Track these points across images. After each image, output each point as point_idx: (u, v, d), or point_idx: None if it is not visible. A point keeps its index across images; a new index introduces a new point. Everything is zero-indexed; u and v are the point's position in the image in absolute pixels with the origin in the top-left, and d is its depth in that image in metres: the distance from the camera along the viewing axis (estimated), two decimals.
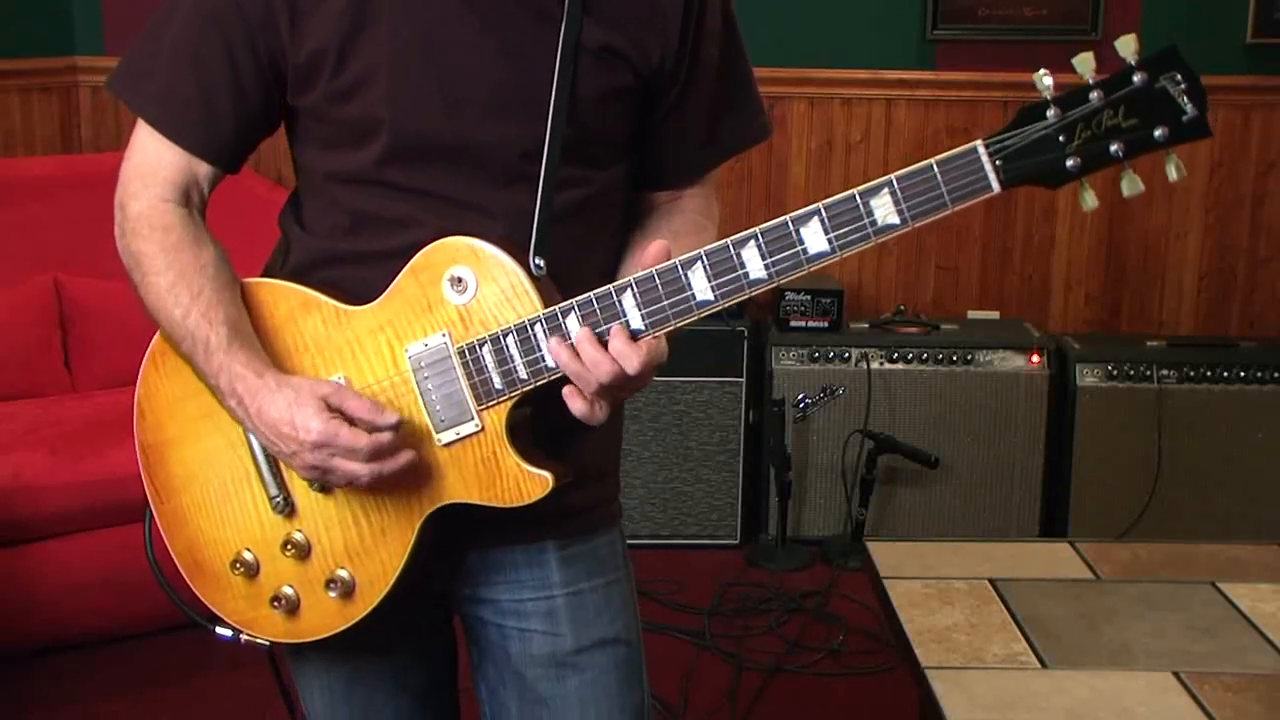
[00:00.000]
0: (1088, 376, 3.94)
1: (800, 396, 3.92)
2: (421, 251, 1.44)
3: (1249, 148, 4.23)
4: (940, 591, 2.23)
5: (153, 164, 1.52)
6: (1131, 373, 3.93)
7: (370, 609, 1.51)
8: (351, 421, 1.41)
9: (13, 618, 3.16)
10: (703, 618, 3.54)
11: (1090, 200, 1.33)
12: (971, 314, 4.28)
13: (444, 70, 1.44)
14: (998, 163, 1.30)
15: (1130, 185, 1.32)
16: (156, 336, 1.56)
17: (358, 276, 1.48)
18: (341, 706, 1.67)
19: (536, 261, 1.44)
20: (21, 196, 3.83)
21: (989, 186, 1.30)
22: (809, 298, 3.97)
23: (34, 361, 3.62)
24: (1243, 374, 3.92)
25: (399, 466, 1.43)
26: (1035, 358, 3.94)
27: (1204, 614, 2.17)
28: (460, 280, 1.43)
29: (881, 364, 3.94)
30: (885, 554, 2.38)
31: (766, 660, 3.36)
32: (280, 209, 1.61)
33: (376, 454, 1.41)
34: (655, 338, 1.40)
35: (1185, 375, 3.93)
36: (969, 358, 3.94)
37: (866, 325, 4.07)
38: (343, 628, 1.53)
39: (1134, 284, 4.33)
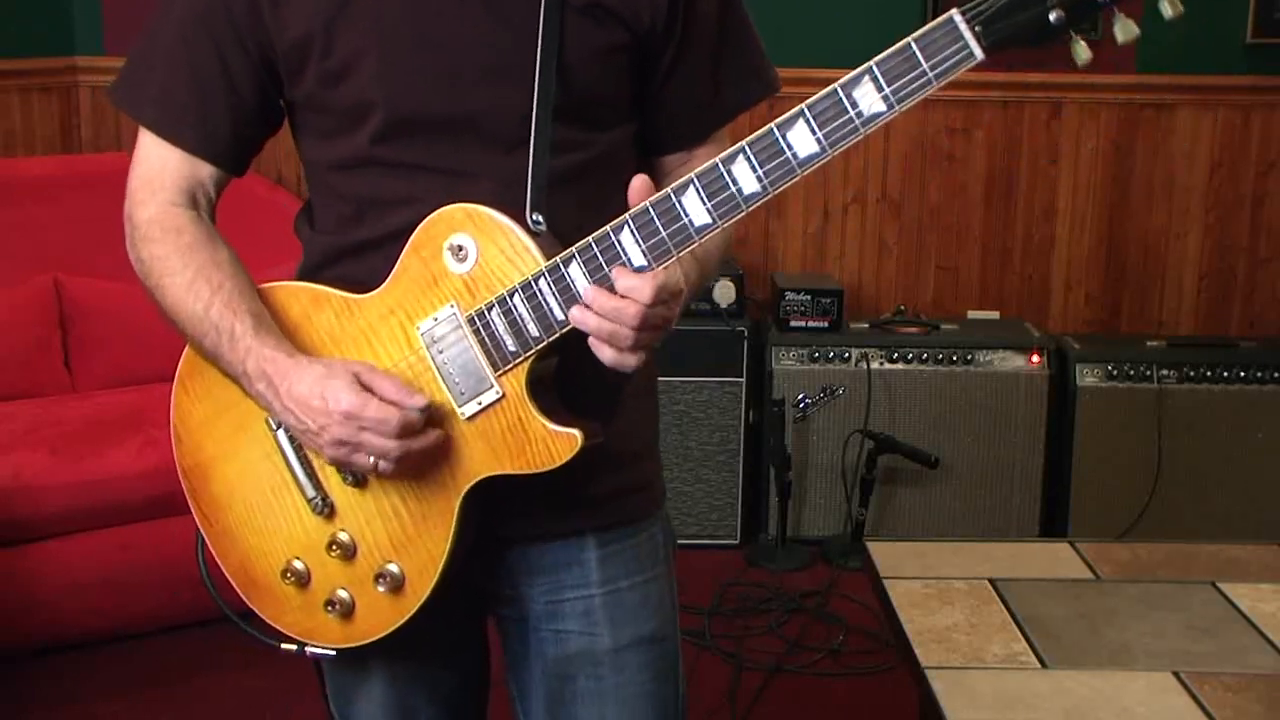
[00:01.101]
0: (1088, 376, 3.94)
1: (800, 396, 3.92)
2: (420, 227, 1.44)
3: (1249, 148, 4.23)
4: (940, 591, 2.23)
5: (157, 170, 1.53)
6: (1131, 373, 3.93)
7: (423, 600, 1.50)
8: (382, 399, 1.41)
9: (13, 618, 3.16)
10: (703, 618, 3.54)
11: (1083, 53, 1.27)
12: (971, 314, 4.28)
13: (433, 42, 1.44)
14: (977, 29, 1.26)
15: (1124, 30, 1.26)
16: (182, 360, 1.57)
17: (367, 264, 1.48)
18: (378, 712, 1.66)
19: (534, 218, 1.43)
20: (21, 196, 3.83)
21: (971, 55, 1.27)
22: (809, 298, 3.97)
23: (34, 361, 3.62)
24: (1243, 374, 3.92)
25: (427, 444, 1.42)
26: (1035, 358, 3.94)
27: (1204, 614, 2.17)
28: (460, 248, 1.42)
29: (881, 364, 3.94)
30: (885, 554, 2.38)
31: (766, 660, 3.36)
32: (294, 218, 1.61)
33: (406, 429, 1.40)
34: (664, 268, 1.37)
35: (1185, 375, 3.93)
36: (969, 358, 3.94)
37: (866, 325, 4.07)
38: (399, 623, 1.51)
39: (1134, 284, 4.33)
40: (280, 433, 1.51)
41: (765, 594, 3.70)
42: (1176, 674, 1.98)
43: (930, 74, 1.28)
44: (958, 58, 1.27)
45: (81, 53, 4.27)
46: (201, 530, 1.60)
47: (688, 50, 1.54)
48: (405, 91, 1.45)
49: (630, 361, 1.39)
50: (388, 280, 1.46)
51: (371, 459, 1.42)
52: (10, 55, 4.12)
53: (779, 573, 3.81)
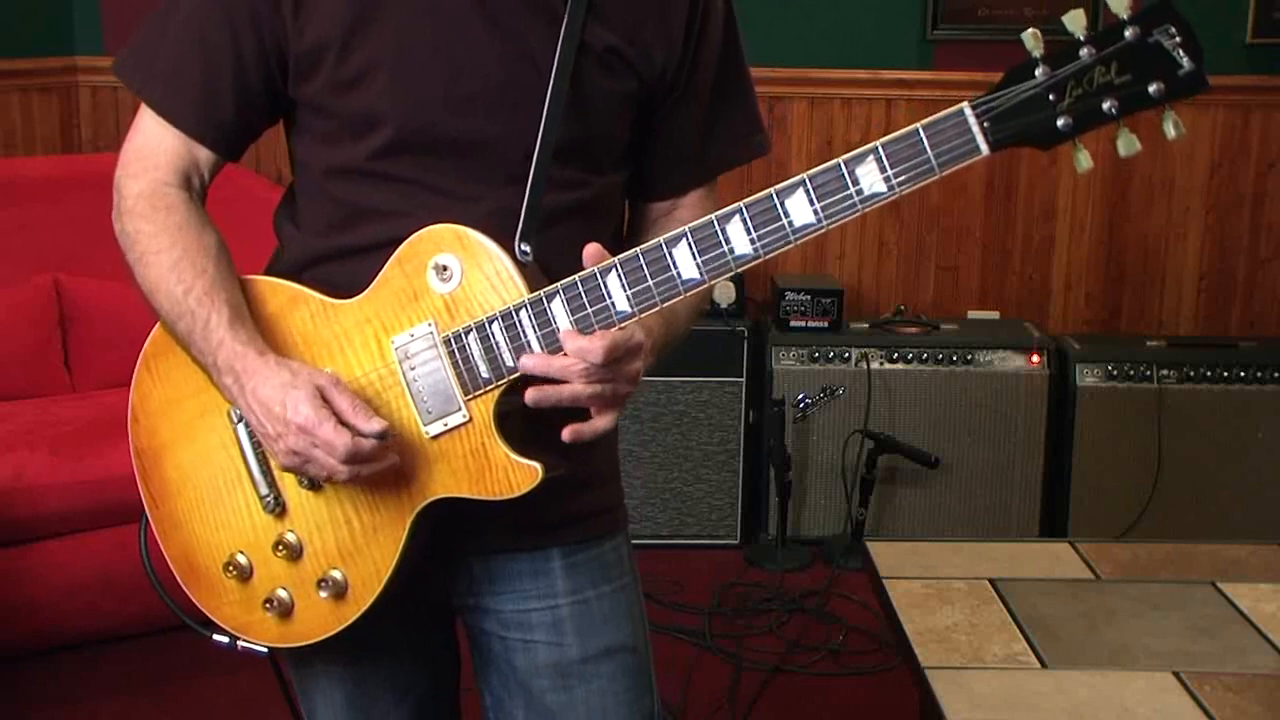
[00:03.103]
0: (1088, 376, 3.94)
1: (800, 396, 3.92)
2: (407, 241, 1.43)
3: (1249, 148, 4.23)
4: (940, 591, 2.23)
5: (154, 146, 1.52)
6: (1131, 373, 3.93)
7: (363, 610, 1.50)
8: (340, 419, 1.40)
9: (13, 618, 3.16)
10: (703, 618, 3.54)
11: (1085, 161, 1.29)
12: (971, 314, 4.28)
13: (449, 65, 1.44)
14: (985, 124, 1.26)
15: (1126, 144, 1.28)
16: (149, 340, 1.56)
17: (350, 270, 1.48)
18: (343, 713, 1.66)
19: (522, 248, 1.43)
20: (21, 196, 3.83)
21: (977, 149, 1.27)
22: (809, 298, 3.97)
23: (34, 361, 3.62)
24: (1243, 374, 3.92)
25: (378, 470, 1.42)
26: (1035, 358, 3.94)
27: (1204, 614, 2.17)
28: (445, 268, 1.42)
29: (881, 364, 3.94)
30: (885, 554, 2.38)
31: (766, 660, 3.36)
32: (274, 211, 1.60)
33: (354, 457, 1.39)
34: (620, 327, 1.38)
35: (1185, 375, 3.93)
36: (969, 358, 3.94)
37: (866, 325, 4.07)
38: (336, 630, 1.51)
39: (1134, 284, 4.33)
40: (240, 426, 1.51)
41: (765, 594, 3.69)
42: (1176, 674, 1.98)
43: (934, 163, 1.28)
44: (963, 150, 1.27)
45: (81, 53, 4.27)
46: (148, 513, 1.60)
47: (683, 103, 1.54)
48: (415, 110, 1.44)
49: (601, 424, 1.40)
50: (368, 289, 1.46)
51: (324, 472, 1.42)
52: (10, 55, 4.12)
53: (779, 573, 3.81)
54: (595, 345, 1.36)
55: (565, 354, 1.38)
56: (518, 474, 1.43)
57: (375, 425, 1.39)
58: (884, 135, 1.31)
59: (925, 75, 4.20)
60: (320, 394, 1.40)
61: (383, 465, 1.42)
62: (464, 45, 1.44)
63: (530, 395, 1.39)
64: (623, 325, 1.38)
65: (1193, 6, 1.26)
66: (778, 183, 1.33)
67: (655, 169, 1.59)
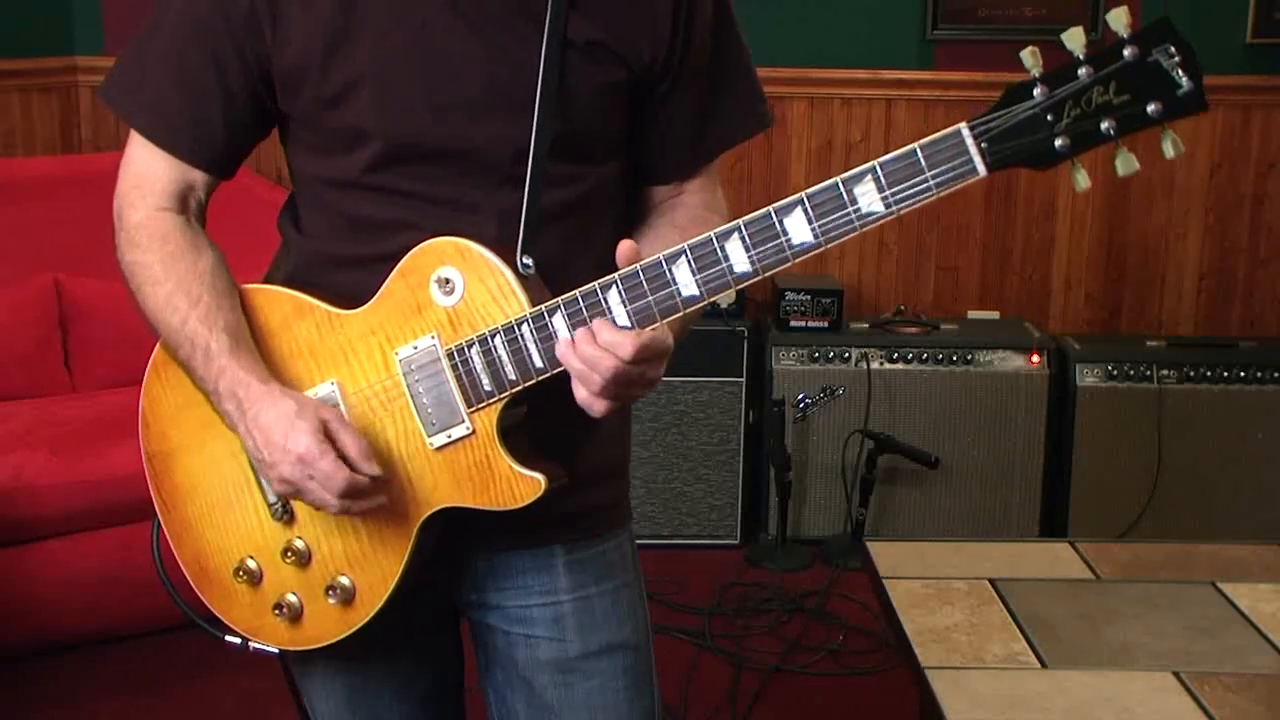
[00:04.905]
0: (1088, 376, 3.94)
1: (800, 396, 3.92)
2: (409, 253, 1.43)
3: (1249, 148, 4.23)
4: (940, 591, 2.23)
5: (148, 174, 1.52)
6: (1131, 373, 3.93)
7: (371, 615, 1.51)
8: (342, 454, 1.41)
9: (13, 618, 3.16)
10: (703, 618, 3.54)
11: (1083, 180, 1.27)
12: (971, 314, 4.28)
13: (430, 74, 1.43)
14: (983, 145, 1.25)
15: (1125, 164, 1.27)
16: (158, 346, 1.56)
17: (356, 279, 1.48)
18: (345, 712, 1.67)
19: (524, 261, 1.43)
20: (21, 196, 3.83)
21: (974, 170, 1.26)
22: (809, 298, 3.97)
23: (34, 361, 3.62)
24: (1243, 374, 3.92)
25: (367, 508, 1.43)
26: (1035, 358, 3.94)
27: (1204, 614, 2.17)
28: (448, 281, 1.42)
29: (881, 364, 3.94)
30: (885, 554, 2.38)
31: (766, 660, 3.36)
32: (279, 210, 1.60)
33: (349, 492, 1.40)
34: (652, 328, 1.37)
35: (1185, 375, 3.93)
36: (969, 358, 3.94)
37: (866, 325, 4.07)
38: (345, 634, 1.52)
39: (1134, 284, 4.33)
40: None
41: (765, 594, 3.70)
42: (1176, 674, 1.98)
43: (932, 183, 1.27)
44: (960, 171, 1.26)
45: (81, 53, 4.27)
46: (159, 517, 1.61)
47: (679, 86, 1.53)
48: (401, 122, 1.44)
49: (597, 407, 1.38)
50: (372, 300, 1.46)
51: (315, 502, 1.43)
52: (10, 55, 4.12)
53: (779, 573, 3.81)
54: (626, 341, 1.34)
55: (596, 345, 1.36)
56: (521, 485, 1.43)
57: (374, 469, 1.41)
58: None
59: (925, 75, 4.19)
60: (325, 428, 1.41)
61: (371, 504, 1.43)
62: (443, 53, 1.43)
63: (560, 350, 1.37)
64: (654, 326, 1.37)
65: (1193, 6, 1.25)
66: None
67: (654, 154, 1.58)
